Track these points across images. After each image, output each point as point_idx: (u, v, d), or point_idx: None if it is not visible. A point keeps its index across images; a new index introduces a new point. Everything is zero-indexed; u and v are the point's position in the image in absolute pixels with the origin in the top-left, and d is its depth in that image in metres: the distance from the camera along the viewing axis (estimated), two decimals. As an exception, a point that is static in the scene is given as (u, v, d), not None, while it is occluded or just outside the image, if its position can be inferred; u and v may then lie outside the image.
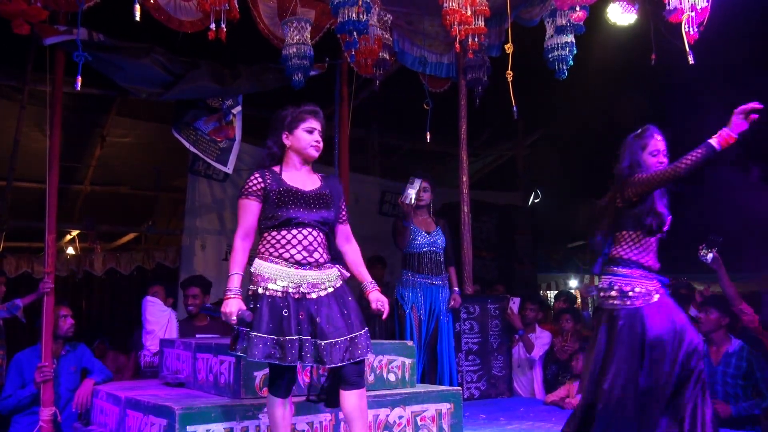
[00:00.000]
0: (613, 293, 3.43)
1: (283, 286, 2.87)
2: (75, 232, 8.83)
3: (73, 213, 8.46)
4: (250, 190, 2.98)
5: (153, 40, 5.07)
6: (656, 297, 3.37)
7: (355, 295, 3.07)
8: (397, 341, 4.53)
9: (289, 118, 3.07)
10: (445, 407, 3.89)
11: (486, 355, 5.75)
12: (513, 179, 10.03)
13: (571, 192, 9.08)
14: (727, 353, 4.66)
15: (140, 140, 7.70)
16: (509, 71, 4.63)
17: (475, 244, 6.13)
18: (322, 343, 2.83)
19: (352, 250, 3.15)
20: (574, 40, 4.57)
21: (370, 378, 3.85)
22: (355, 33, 4.25)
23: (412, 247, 5.00)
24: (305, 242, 2.94)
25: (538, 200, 9.81)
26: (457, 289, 5.18)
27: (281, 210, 2.93)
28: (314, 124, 3.06)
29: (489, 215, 8.79)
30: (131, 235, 9.35)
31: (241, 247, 2.93)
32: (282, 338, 2.80)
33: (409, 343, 4.22)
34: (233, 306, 2.82)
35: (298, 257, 2.92)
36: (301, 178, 3.05)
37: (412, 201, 4.82)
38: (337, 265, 3.03)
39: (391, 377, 3.95)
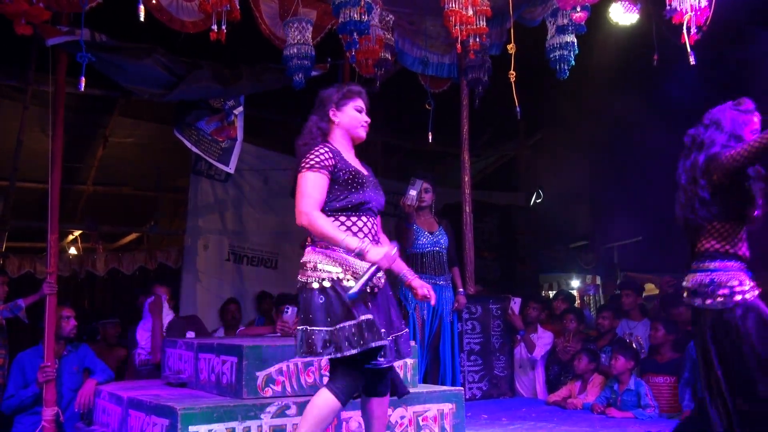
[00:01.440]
0: (721, 290, 3.04)
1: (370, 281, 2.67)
2: (77, 233, 8.85)
3: (76, 213, 8.47)
4: (322, 163, 2.69)
5: (154, 40, 5.07)
6: (757, 291, 3.06)
7: None
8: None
9: (337, 95, 2.88)
10: (447, 407, 3.89)
11: (488, 355, 5.75)
12: (515, 180, 10.03)
13: (572, 192, 9.07)
14: None
15: (142, 141, 7.72)
16: (512, 71, 4.62)
17: (477, 245, 6.13)
18: (395, 336, 2.76)
19: (384, 241, 2.92)
20: (575, 40, 4.57)
21: (372, 378, 3.85)
22: (356, 33, 4.25)
23: (415, 248, 5.01)
24: (373, 230, 2.76)
25: (540, 200, 9.80)
26: (462, 290, 5.17)
27: (355, 193, 2.71)
28: (362, 104, 2.90)
29: (491, 215, 8.79)
30: (133, 236, 9.36)
31: (324, 217, 2.66)
32: (389, 340, 2.68)
33: (412, 343, 4.21)
34: (384, 248, 2.65)
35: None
36: (355, 161, 2.86)
37: (414, 202, 4.82)
38: None
39: (393, 377, 3.95)
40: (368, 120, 2.91)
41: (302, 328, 2.64)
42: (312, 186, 2.67)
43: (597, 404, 4.98)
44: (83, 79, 4.03)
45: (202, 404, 3.30)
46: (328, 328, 2.59)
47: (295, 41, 4.67)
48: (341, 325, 2.58)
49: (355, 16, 4.12)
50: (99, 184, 8.33)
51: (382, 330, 2.63)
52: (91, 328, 6.15)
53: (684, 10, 3.88)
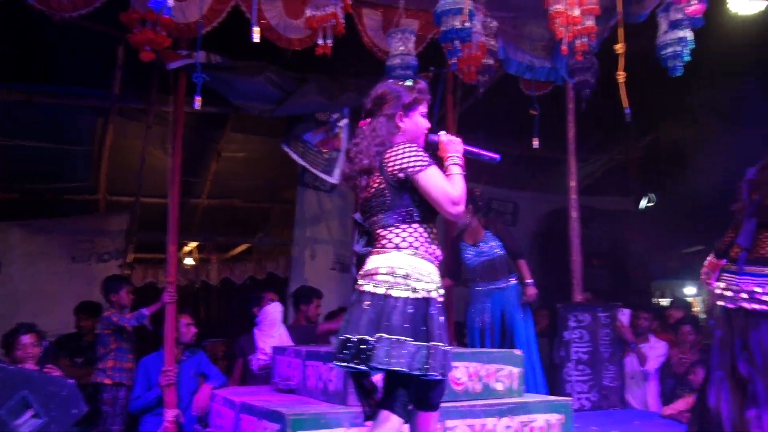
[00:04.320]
0: None
1: (438, 290, 2.58)
2: (193, 244, 9.30)
3: (192, 225, 8.93)
4: (430, 159, 2.57)
5: (264, 56, 5.28)
6: None
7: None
8: (504, 350, 4.47)
9: (407, 97, 2.66)
10: (554, 418, 3.79)
11: (596, 365, 5.55)
12: (625, 184, 9.62)
13: (687, 194, 8.57)
14: None
15: (253, 155, 8.01)
16: (620, 72, 4.45)
17: (585, 252, 5.94)
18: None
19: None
20: (691, 35, 4.33)
21: (478, 387, 3.80)
22: (457, 41, 4.24)
23: (466, 262, 5.12)
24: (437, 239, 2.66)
25: (651, 204, 9.34)
26: (530, 281, 5.02)
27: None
28: (427, 107, 2.72)
29: (599, 221, 8.47)
30: (243, 246, 9.73)
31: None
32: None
33: (517, 351, 4.14)
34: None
35: (439, 253, 2.62)
36: None
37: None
38: None
39: (499, 386, 3.89)
40: (429, 126, 2.73)
41: (398, 339, 2.41)
42: (442, 178, 2.53)
43: None
44: (199, 98, 4.27)
45: (310, 410, 3.39)
46: (424, 344, 2.44)
47: (398, 52, 4.72)
48: (435, 346, 2.44)
49: (457, 24, 4.11)
50: (213, 197, 8.73)
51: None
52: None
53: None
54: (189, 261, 9.29)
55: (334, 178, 6.22)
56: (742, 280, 3.26)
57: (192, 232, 8.73)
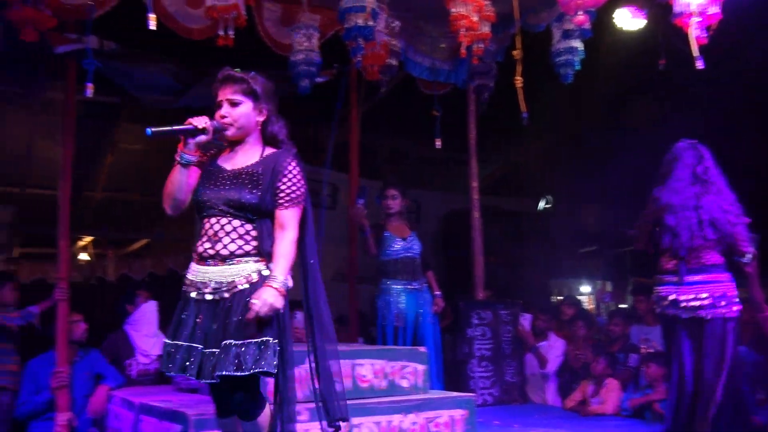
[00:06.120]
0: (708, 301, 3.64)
1: (191, 286, 2.52)
2: (88, 239, 8.87)
3: (85, 219, 8.50)
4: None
5: (162, 47, 5.08)
6: None
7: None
8: (409, 347, 4.53)
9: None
10: (458, 413, 3.88)
11: (499, 361, 5.73)
12: (523, 185, 9.99)
13: (582, 197, 9.02)
14: None
15: (151, 147, 7.73)
16: (518, 77, 4.62)
17: (486, 251, 6.12)
18: (206, 351, 2.43)
19: (278, 238, 2.51)
20: (581, 45, 4.56)
21: (383, 384, 3.84)
22: (361, 39, 4.25)
23: (388, 254, 5.02)
24: (210, 231, 2.48)
25: (549, 206, 9.76)
26: (438, 292, 5.18)
27: (196, 192, 2.55)
28: (220, 95, 2.63)
29: (499, 221, 8.75)
30: (143, 241, 9.39)
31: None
32: (172, 343, 2.48)
33: (422, 349, 4.21)
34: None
35: (201, 249, 2.49)
36: (232, 158, 2.61)
37: (362, 211, 4.85)
38: (259, 260, 2.51)
39: (404, 383, 3.95)
40: (224, 114, 2.57)
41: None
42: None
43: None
44: (91, 85, 4.06)
45: (213, 410, 3.31)
46: (170, 341, 2.54)
47: (302, 47, 4.68)
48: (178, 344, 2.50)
49: (360, 21, 4.13)
50: (108, 190, 8.35)
51: (173, 342, 2.49)
52: None
53: (690, 14, 3.86)
54: (83, 256, 8.85)
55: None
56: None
57: (86, 226, 8.31)
